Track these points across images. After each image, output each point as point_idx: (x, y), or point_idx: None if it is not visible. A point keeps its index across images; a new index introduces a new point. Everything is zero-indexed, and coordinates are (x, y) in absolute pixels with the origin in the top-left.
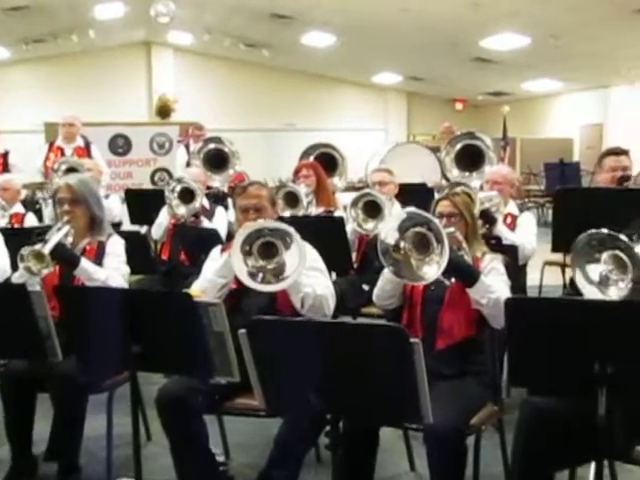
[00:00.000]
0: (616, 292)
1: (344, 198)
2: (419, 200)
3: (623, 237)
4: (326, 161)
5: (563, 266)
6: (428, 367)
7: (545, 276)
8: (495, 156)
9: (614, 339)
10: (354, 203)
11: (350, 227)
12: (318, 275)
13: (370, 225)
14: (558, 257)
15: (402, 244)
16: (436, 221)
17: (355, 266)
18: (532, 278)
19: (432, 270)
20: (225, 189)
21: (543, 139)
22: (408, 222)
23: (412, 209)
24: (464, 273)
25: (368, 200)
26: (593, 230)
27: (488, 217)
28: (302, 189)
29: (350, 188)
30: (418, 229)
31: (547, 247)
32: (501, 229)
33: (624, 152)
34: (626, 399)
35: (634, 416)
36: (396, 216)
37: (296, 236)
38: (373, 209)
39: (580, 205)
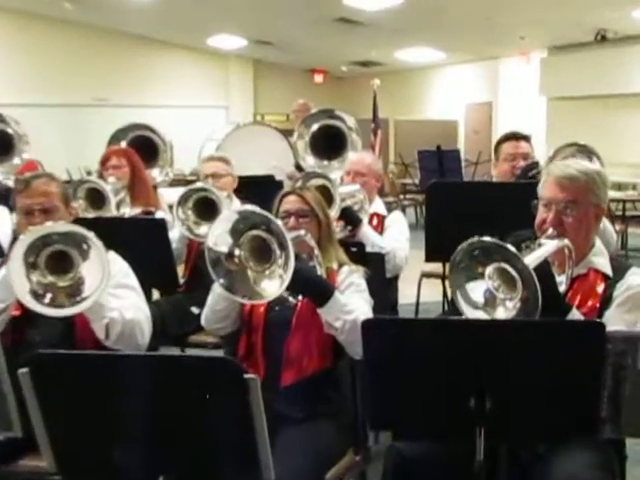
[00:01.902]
0: (503, 314)
1: (169, 195)
2: (265, 196)
3: (510, 247)
4: (144, 147)
5: (444, 278)
6: (272, 409)
7: (424, 291)
8: (359, 139)
9: (493, 367)
10: (182, 201)
11: (176, 232)
12: (128, 294)
13: (203, 229)
14: (438, 267)
15: (237, 251)
16: (278, 222)
17: (182, 282)
18: (408, 294)
19: (273, 285)
20: (10, 183)
21: (421, 121)
22: (243, 224)
23: (247, 207)
24: (314, 288)
25: (200, 197)
26: (474, 238)
27: (350, 217)
28: (110, 184)
29: (179, 182)
30: (255, 232)
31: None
32: (366, 233)
33: (524, 137)
34: (510, 440)
35: (520, 461)
36: (227, 217)
37: (96, 243)
38: (207, 209)
39: (458, 204)
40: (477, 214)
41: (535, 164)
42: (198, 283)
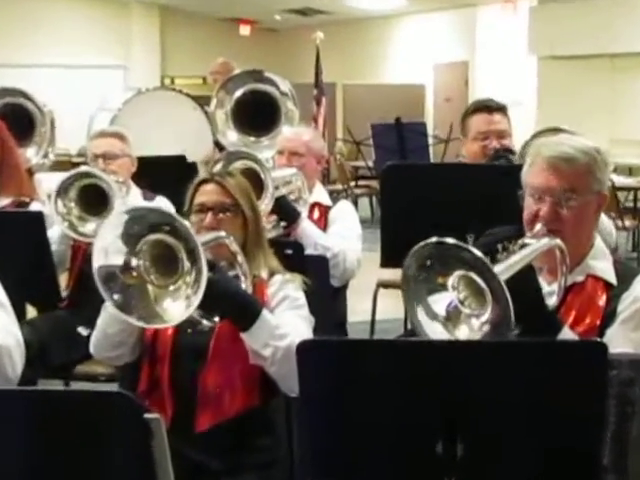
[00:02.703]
0: (468, 333)
1: (49, 182)
2: (175, 184)
3: (477, 252)
4: (15, 119)
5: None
6: (184, 459)
7: (381, 305)
8: (296, 110)
9: (466, 401)
10: (62, 190)
11: (57, 230)
12: None
13: (89, 227)
14: (399, 274)
15: (134, 262)
16: (184, 222)
17: (65, 295)
18: (360, 309)
19: (178, 305)
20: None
21: (378, 86)
22: (138, 226)
23: (139, 204)
24: (235, 307)
25: (86, 185)
26: (432, 239)
27: (284, 210)
28: None
29: (62, 165)
30: (157, 236)
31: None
32: (305, 229)
33: (499, 108)
34: None
35: None
36: (113, 220)
37: None
38: (95, 201)
39: (422, 193)
40: (447, 206)
41: (507, 152)
42: (86, 296)
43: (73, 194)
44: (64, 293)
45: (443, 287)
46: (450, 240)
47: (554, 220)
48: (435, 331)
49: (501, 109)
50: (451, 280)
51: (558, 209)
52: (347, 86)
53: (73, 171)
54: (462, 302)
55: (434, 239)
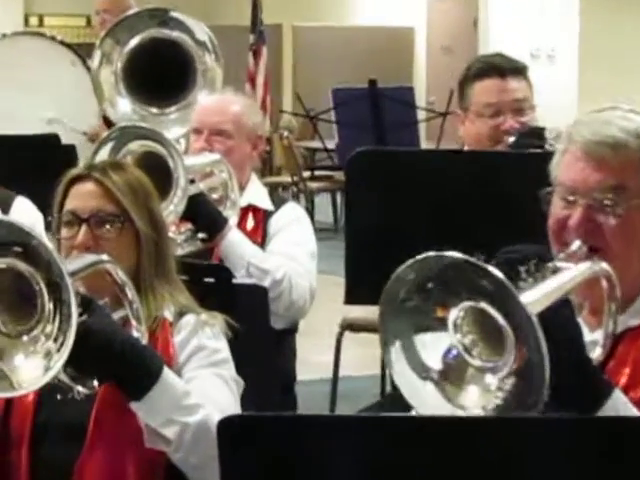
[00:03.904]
0: (480, 397)
1: None
2: (43, 178)
3: (494, 271)
4: None
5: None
6: None
7: (349, 354)
8: (219, 67)
9: None
10: None
11: None
12: None
13: None
14: (372, 312)
15: None
16: (45, 242)
17: None
18: (318, 362)
19: (36, 363)
20: None
21: (344, 30)
22: None
23: None
24: (122, 365)
25: None
26: (429, 254)
27: (204, 216)
28: None
29: None
30: (2, 262)
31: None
32: (234, 243)
33: (517, 69)
34: None
35: None
36: None
37: None
38: None
39: (405, 192)
40: (443, 211)
41: (539, 131)
42: None
43: None
44: None
45: (440, 324)
46: (461, 255)
47: (593, 233)
48: (427, 395)
49: (519, 71)
50: (454, 314)
51: (598, 216)
52: (298, 30)
53: None
54: (468, 349)
55: (435, 253)
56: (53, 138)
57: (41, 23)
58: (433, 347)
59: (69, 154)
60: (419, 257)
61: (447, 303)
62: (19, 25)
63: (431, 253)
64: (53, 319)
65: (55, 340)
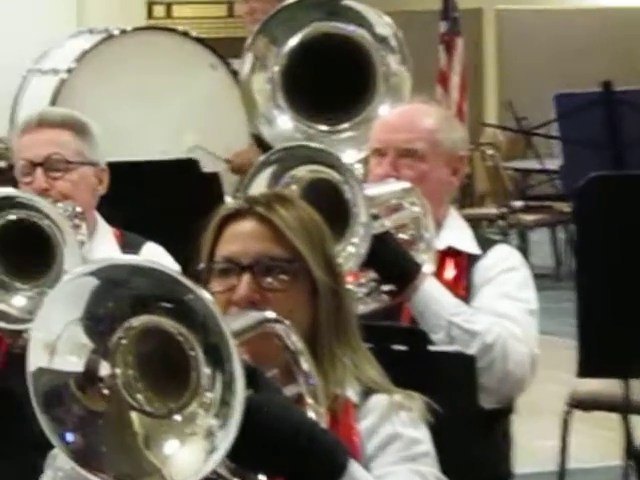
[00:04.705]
0: None
1: None
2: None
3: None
4: None
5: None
6: None
7: (578, 440)
8: (406, 70)
9: None
10: None
11: None
12: None
13: (19, 302)
14: (611, 387)
15: (104, 370)
16: (203, 295)
17: None
18: (541, 448)
19: (193, 450)
20: None
21: (562, 12)
22: (112, 300)
23: (116, 257)
24: (297, 455)
25: (10, 224)
26: None
27: (392, 262)
28: None
29: None
30: (148, 320)
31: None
32: (431, 298)
33: None
34: None
35: None
36: (69, 284)
37: None
38: (30, 252)
39: None
40: None
41: None
42: (7, 439)
43: None
44: None
45: None
46: None
47: None
48: None
49: None
50: None
51: None
52: (504, 15)
53: None
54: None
55: None
56: (192, 164)
57: (169, 14)
58: None
59: (212, 184)
60: None
61: None
62: (141, 17)
63: None
64: (211, 391)
65: (216, 416)
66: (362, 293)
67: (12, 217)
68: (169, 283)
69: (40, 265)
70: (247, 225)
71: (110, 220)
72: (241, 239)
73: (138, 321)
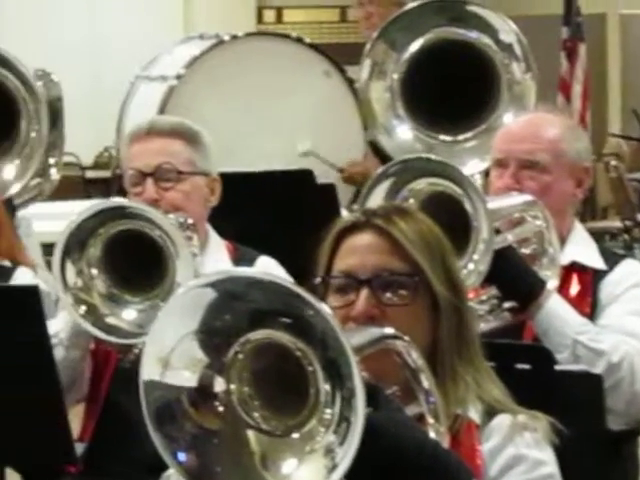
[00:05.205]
0: None
1: (48, 223)
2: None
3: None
4: None
5: None
6: None
7: None
8: (531, 80)
9: None
10: (74, 246)
11: (62, 323)
12: None
13: (130, 315)
14: None
15: (219, 386)
16: (324, 309)
17: (81, 453)
18: None
19: (313, 468)
20: None
21: None
22: (228, 313)
23: (231, 270)
24: (420, 476)
25: (121, 235)
26: None
27: (515, 278)
28: None
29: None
30: (266, 335)
31: None
32: (556, 316)
33: None
34: None
35: None
36: (183, 298)
37: None
38: (142, 264)
39: None
40: None
41: None
42: (118, 452)
43: (96, 253)
44: (79, 447)
45: None
46: None
47: None
48: None
49: None
50: None
51: None
52: (629, 20)
53: (94, 207)
54: None
55: None
56: (306, 175)
57: (279, 19)
58: None
59: (327, 195)
60: None
61: None
62: (251, 22)
63: None
64: (331, 407)
65: (336, 433)
66: (483, 310)
67: (122, 227)
68: (289, 297)
69: (151, 277)
70: (365, 238)
71: (221, 232)
72: (359, 252)
73: (256, 336)
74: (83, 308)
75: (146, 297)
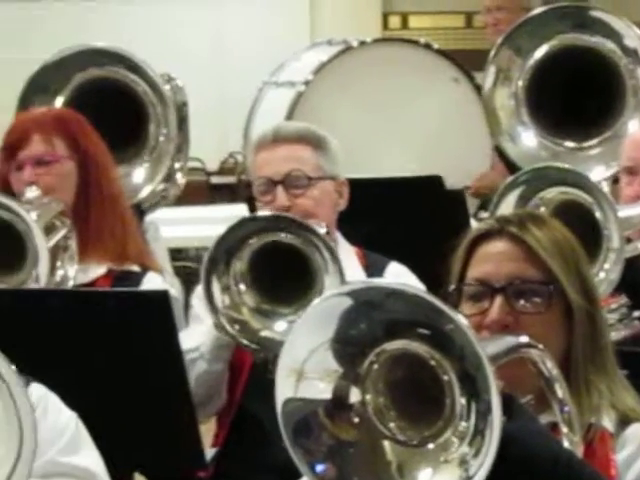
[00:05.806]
0: None
1: (179, 229)
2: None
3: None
4: (113, 110)
5: None
6: None
7: None
8: None
9: None
10: (219, 259)
11: (205, 333)
12: None
13: (279, 326)
14: None
15: (355, 397)
16: (460, 320)
17: (210, 458)
18: None
19: (446, 478)
20: None
21: None
22: (364, 322)
23: (367, 281)
24: None
25: (265, 246)
26: None
27: None
28: (29, 204)
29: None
30: (401, 346)
31: None
32: None
33: None
34: None
35: None
36: (320, 307)
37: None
38: (282, 274)
39: None
40: None
41: None
42: (250, 461)
43: (241, 267)
44: (209, 453)
45: None
46: None
47: None
48: None
49: None
50: None
51: None
52: None
53: (242, 218)
54: None
55: None
56: (436, 181)
57: (405, 24)
58: None
59: (456, 201)
60: None
61: None
62: (377, 28)
63: None
64: (466, 419)
65: (470, 444)
66: (613, 319)
67: (266, 240)
68: (428, 310)
69: (298, 288)
70: (499, 245)
71: (349, 239)
72: (493, 260)
73: (391, 346)
74: (236, 327)
75: (297, 307)
